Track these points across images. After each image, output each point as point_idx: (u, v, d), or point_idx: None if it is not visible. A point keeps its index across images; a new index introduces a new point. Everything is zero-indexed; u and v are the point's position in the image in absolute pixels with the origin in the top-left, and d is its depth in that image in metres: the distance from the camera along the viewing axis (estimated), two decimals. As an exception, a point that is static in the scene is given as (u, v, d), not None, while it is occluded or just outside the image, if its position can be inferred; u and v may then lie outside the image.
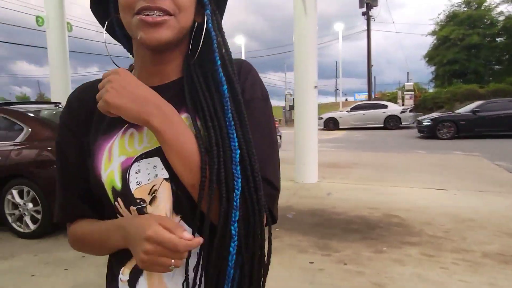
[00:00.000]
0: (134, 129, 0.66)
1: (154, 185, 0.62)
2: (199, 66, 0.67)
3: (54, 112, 4.56)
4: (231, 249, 0.59)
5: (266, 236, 0.63)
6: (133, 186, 0.63)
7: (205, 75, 0.65)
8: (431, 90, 29.19)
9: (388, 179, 6.57)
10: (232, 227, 0.58)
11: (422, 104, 23.51)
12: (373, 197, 5.30)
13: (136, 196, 0.63)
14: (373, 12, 27.50)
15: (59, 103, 5.14)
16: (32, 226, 3.90)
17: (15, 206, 3.94)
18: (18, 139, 4.02)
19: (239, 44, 32.35)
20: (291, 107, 21.88)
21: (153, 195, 0.62)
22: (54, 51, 7.75)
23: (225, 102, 0.61)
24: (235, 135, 0.60)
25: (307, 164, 6.42)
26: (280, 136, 9.93)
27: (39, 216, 3.87)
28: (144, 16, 0.59)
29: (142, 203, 0.63)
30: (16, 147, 3.97)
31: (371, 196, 5.37)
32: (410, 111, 18.95)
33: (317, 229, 4.00)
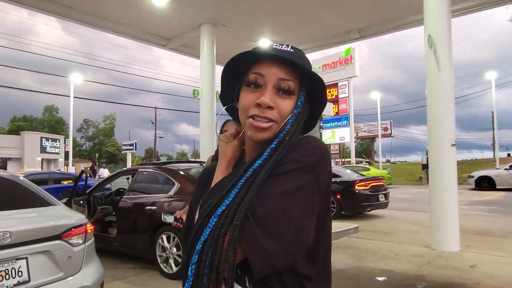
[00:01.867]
0: None
1: None
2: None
3: (198, 170, 5.35)
4: None
5: None
6: None
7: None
8: None
9: (558, 255, 5.35)
10: (190, 269, 0.70)
11: None
12: (533, 276, 4.38)
13: None
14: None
15: (204, 162, 5.99)
16: (175, 268, 4.51)
17: (164, 249, 4.66)
18: (171, 192, 4.85)
19: (374, 99, 31.89)
20: (425, 166, 19.84)
21: None
22: (205, 116, 9.17)
23: (247, 172, 0.76)
24: (231, 195, 0.73)
25: (445, 230, 5.75)
26: (385, 194, 9.69)
27: (180, 260, 4.47)
28: (254, 121, 0.81)
29: None
30: (168, 199, 4.78)
31: (529, 274, 4.45)
32: None
33: (451, 307, 3.52)
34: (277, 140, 0.80)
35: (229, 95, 0.95)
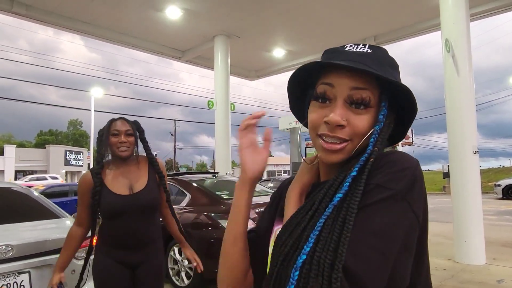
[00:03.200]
0: None
1: None
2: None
3: (210, 181, 5.30)
4: None
5: None
6: None
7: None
8: None
9: None
10: None
11: None
12: None
13: None
14: None
15: (217, 173, 5.95)
16: (186, 281, 4.43)
17: (175, 261, 4.59)
18: (183, 204, 4.80)
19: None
20: (446, 175, 19.21)
21: None
22: (220, 126, 9.17)
23: (327, 209, 0.63)
24: (312, 239, 0.60)
25: (469, 241, 5.47)
26: None
27: (191, 273, 4.40)
28: (324, 143, 0.69)
29: None
30: (180, 211, 4.73)
31: (563, 290, 4.15)
32: None
33: (476, 325, 3.30)
34: (358, 166, 0.65)
35: (302, 109, 0.83)
